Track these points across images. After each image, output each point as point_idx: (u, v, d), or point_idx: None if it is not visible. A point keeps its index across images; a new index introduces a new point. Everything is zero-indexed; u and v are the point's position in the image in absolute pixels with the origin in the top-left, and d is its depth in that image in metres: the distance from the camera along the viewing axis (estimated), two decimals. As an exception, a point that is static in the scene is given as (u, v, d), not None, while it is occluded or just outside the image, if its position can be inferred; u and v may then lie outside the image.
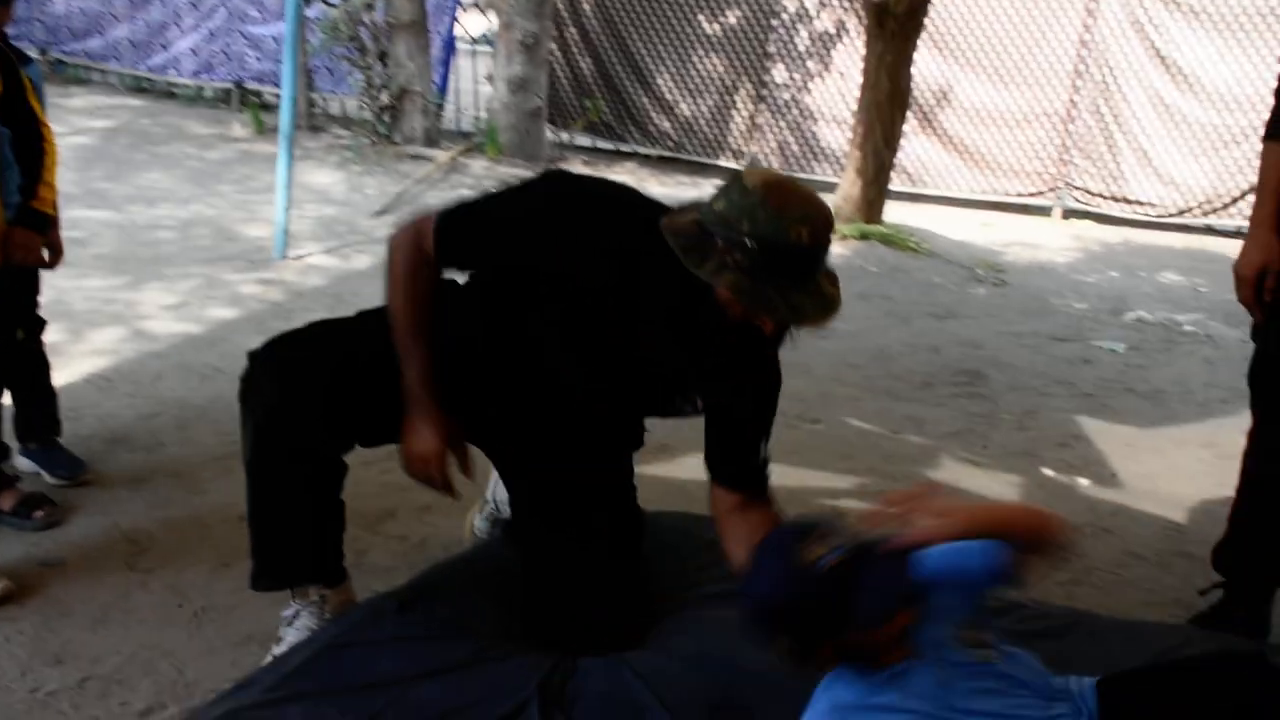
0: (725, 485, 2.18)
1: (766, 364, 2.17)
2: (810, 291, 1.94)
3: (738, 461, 2.19)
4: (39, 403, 3.22)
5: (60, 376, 3.43)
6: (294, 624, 2.32)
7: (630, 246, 2.09)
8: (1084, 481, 3.75)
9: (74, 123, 8.59)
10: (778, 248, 1.89)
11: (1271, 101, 2.54)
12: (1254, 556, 2.62)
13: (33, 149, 2.84)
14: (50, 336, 3.33)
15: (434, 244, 2.18)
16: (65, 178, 3.13)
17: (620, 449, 2.52)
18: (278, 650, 2.30)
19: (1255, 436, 2.62)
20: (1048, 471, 3.81)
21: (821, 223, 1.94)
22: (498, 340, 2.29)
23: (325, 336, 2.31)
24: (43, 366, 3.23)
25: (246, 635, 2.49)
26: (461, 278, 2.38)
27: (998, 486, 3.64)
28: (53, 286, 3.64)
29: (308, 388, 2.17)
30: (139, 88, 10.66)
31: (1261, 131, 2.55)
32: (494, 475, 2.75)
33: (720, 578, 2.53)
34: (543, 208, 2.16)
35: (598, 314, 2.18)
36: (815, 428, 4.08)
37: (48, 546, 2.81)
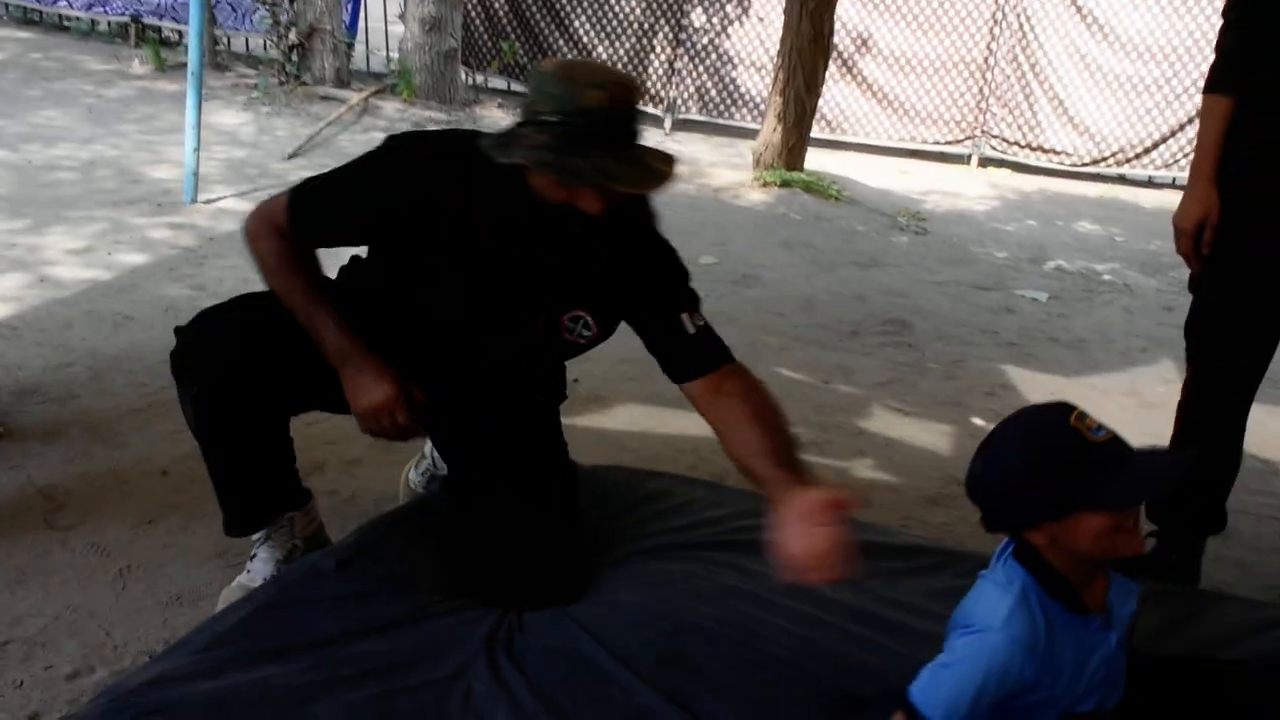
0: (683, 379, 2.17)
1: (628, 243, 2.18)
2: (623, 158, 1.96)
3: (672, 347, 2.18)
4: None
5: (-39, 325, 3.26)
6: (264, 545, 2.35)
7: (479, 184, 2.10)
8: (1012, 430, 3.79)
9: (-41, 55, 8.19)
10: (574, 115, 1.93)
11: (1195, 54, 2.56)
12: (1187, 505, 2.66)
13: None
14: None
15: (288, 220, 2.18)
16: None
17: (540, 402, 2.48)
18: (243, 578, 2.33)
19: (1191, 387, 2.65)
20: (977, 421, 3.83)
21: (616, 87, 1.97)
22: (390, 312, 2.25)
23: (249, 307, 2.27)
24: None
25: (175, 594, 2.40)
26: (341, 262, 2.38)
27: (928, 436, 3.66)
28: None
29: (239, 356, 2.15)
30: (27, 19, 10.16)
31: (1176, 82, 2.57)
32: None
33: (658, 531, 2.51)
34: (393, 166, 2.16)
35: (471, 259, 2.17)
36: (746, 376, 4.06)
37: (-43, 504, 2.68)
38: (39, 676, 2.11)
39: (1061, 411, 1.53)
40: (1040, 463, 1.51)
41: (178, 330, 2.23)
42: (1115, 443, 1.50)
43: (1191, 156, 2.61)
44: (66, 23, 10.16)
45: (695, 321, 2.16)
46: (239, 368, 2.15)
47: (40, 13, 10.18)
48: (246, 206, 5.70)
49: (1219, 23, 2.59)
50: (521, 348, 2.27)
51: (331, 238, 2.25)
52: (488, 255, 2.15)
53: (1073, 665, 1.55)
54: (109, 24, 10.09)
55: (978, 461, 1.60)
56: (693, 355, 2.16)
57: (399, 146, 2.19)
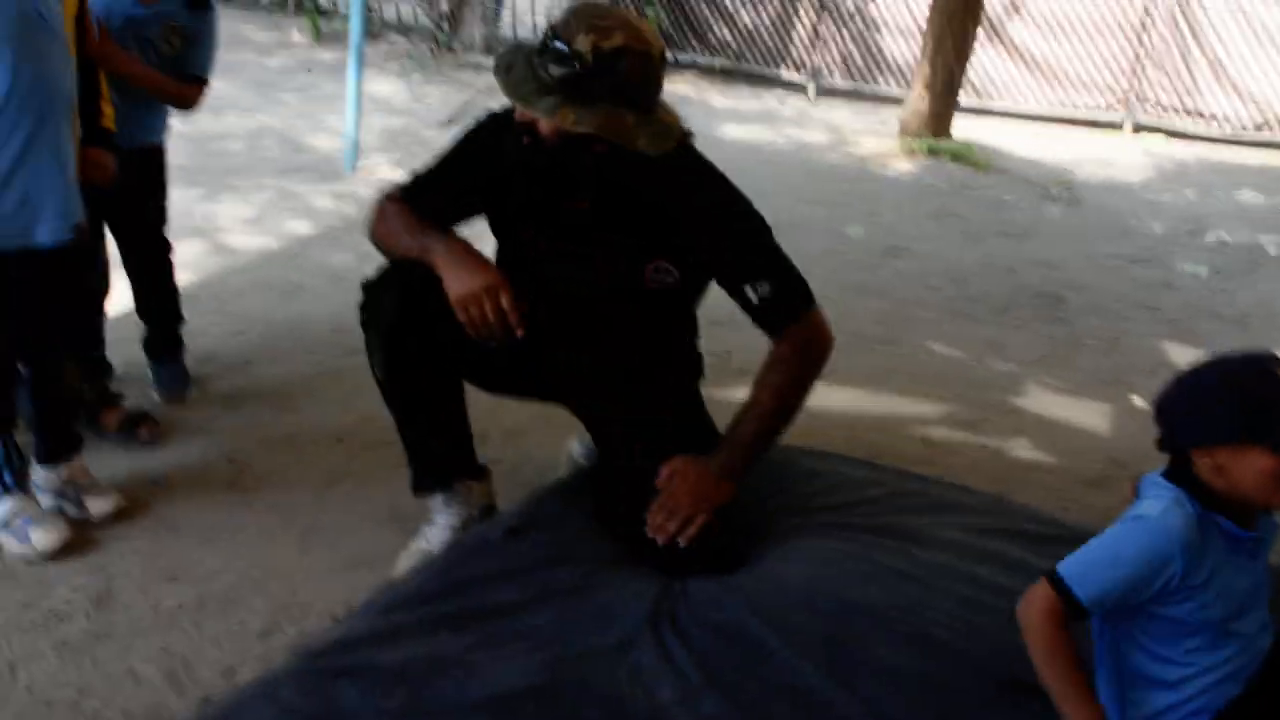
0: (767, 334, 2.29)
1: (691, 205, 2.26)
2: (578, 101, 2.06)
3: (747, 314, 2.27)
4: (159, 320, 3.29)
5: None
6: (442, 513, 2.46)
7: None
8: (1174, 411, 3.69)
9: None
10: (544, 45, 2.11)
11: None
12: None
13: (86, 65, 2.62)
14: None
15: (404, 196, 2.34)
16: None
17: (671, 377, 2.51)
18: (419, 544, 2.45)
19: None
20: (1138, 400, 3.75)
21: (588, 30, 2.07)
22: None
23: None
24: (165, 285, 3.32)
25: (355, 558, 2.51)
26: None
27: (1086, 416, 3.60)
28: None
29: (425, 302, 2.24)
30: (195, -9, 10.55)
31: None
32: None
33: (816, 509, 2.53)
34: (489, 132, 2.32)
35: (562, 223, 2.31)
36: (895, 351, 4.04)
37: (152, 464, 2.84)
38: (233, 632, 2.24)
39: (1265, 355, 1.62)
40: (1231, 386, 1.59)
41: (365, 283, 2.35)
42: None
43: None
44: (229, -6, 10.52)
45: (759, 290, 2.23)
46: (425, 312, 2.25)
47: (205, -16, 10.54)
48: (404, 175, 5.86)
49: None
50: (583, 288, 2.37)
51: (445, 210, 2.35)
52: (577, 226, 2.30)
53: (1223, 577, 1.59)
54: (269, -5, 10.42)
55: (1172, 380, 1.69)
56: (759, 323, 2.28)
57: (493, 116, 2.35)
